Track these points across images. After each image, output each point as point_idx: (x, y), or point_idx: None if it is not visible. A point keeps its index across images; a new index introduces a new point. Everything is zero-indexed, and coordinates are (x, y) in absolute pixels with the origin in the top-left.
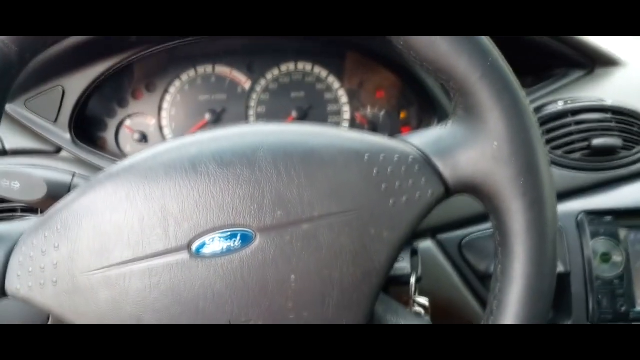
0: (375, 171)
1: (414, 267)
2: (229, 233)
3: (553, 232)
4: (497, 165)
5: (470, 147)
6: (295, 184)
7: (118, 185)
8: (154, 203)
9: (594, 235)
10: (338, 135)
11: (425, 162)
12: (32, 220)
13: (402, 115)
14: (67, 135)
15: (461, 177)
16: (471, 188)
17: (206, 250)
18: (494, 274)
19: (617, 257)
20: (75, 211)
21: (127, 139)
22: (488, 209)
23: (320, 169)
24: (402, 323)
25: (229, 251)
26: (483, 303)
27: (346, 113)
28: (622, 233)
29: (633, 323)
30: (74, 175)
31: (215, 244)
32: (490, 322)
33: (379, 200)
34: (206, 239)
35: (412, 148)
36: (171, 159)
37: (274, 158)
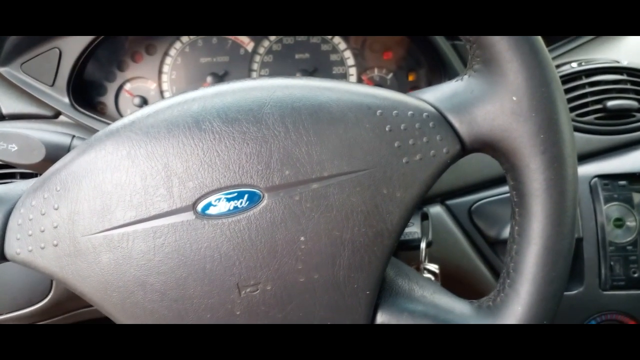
0: (387, 128)
1: (424, 232)
2: (236, 193)
3: (573, 190)
4: (516, 121)
5: (488, 102)
6: (303, 142)
7: (118, 143)
8: (156, 161)
9: (608, 200)
10: (348, 89)
11: (440, 119)
12: (30, 181)
13: (411, 77)
14: (66, 99)
15: (478, 134)
16: (488, 145)
17: (212, 210)
18: (510, 235)
19: (631, 222)
20: (74, 171)
21: (128, 104)
22: (505, 167)
23: (330, 126)
24: (414, 286)
25: (236, 211)
26: (493, 269)
27: (352, 76)
28: (636, 197)
29: None
30: (73, 137)
31: (221, 203)
32: (507, 285)
33: (392, 158)
34: (212, 198)
35: (427, 104)
36: (173, 116)
37: (281, 114)
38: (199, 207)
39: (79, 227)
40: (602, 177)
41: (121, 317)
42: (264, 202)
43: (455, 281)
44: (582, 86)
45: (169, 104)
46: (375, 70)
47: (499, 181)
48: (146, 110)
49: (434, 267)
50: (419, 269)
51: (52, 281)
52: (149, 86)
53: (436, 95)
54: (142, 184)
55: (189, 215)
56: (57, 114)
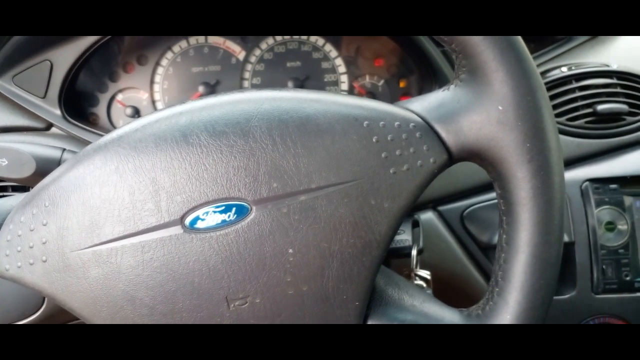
0: (374, 139)
1: (415, 239)
2: (224, 206)
3: (560, 199)
4: (502, 130)
5: (474, 112)
6: (291, 154)
7: (106, 158)
8: (144, 176)
9: (599, 203)
10: (335, 101)
11: (427, 129)
12: (19, 197)
13: (402, 84)
14: (57, 111)
15: (465, 144)
16: (475, 154)
17: (200, 224)
18: (498, 244)
19: (622, 226)
20: (62, 186)
21: (120, 114)
22: (492, 176)
23: (317, 138)
24: (404, 296)
25: (224, 224)
26: (485, 274)
27: (344, 83)
28: (627, 201)
29: (638, 293)
30: (63, 151)
31: (209, 217)
32: (496, 294)
33: (379, 169)
34: (200, 212)
35: (413, 114)
36: (161, 130)
37: (269, 126)
38: (187, 221)
39: (67, 242)
40: (593, 180)
41: None
42: (252, 215)
43: (448, 286)
44: (572, 90)
45: (156, 118)
46: (367, 78)
47: (491, 186)
48: (134, 124)
49: (425, 273)
50: (410, 276)
51: (44, 296)
52: (141, 96)
53: (423, 105)
54: (130, 198)
55: (177, 230)
56: (49, 126)
